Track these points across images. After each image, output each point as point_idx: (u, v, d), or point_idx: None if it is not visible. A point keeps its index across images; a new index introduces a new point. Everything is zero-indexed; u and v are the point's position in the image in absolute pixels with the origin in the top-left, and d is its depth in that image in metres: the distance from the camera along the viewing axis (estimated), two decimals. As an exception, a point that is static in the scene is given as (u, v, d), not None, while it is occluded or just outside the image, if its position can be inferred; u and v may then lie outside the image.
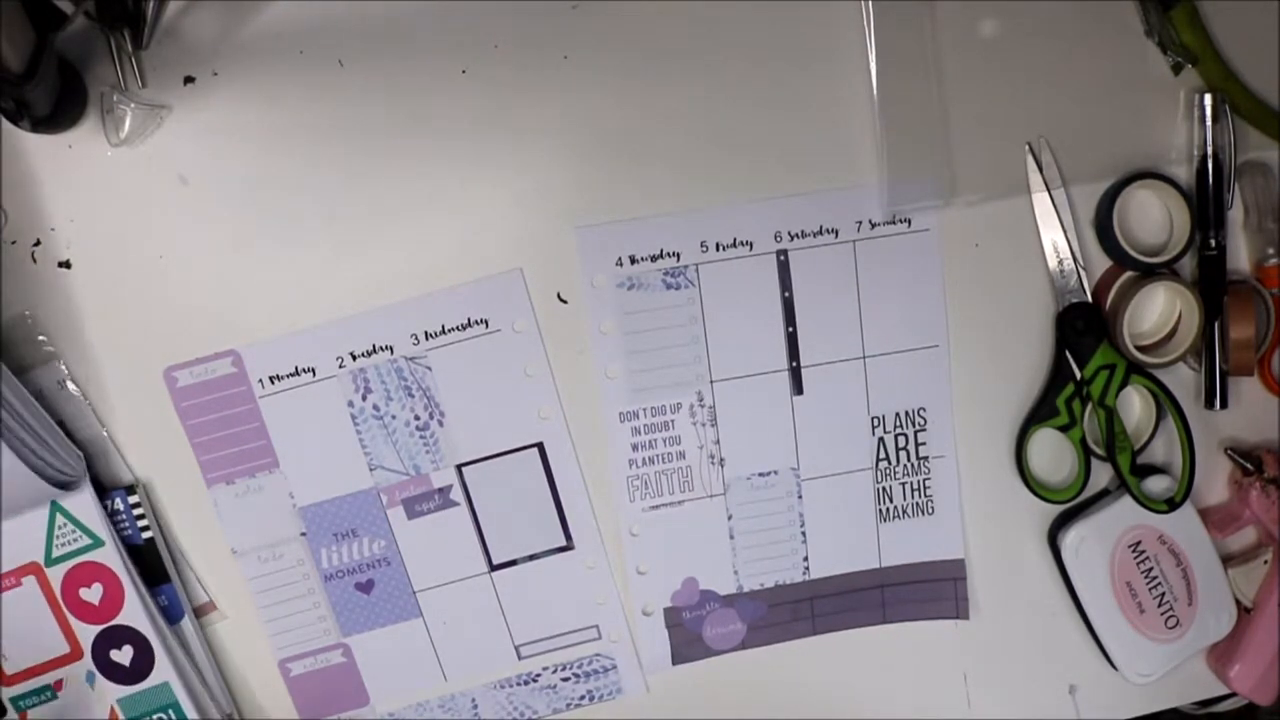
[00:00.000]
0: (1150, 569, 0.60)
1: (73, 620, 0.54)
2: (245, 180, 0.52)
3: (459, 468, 0.56)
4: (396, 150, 0.53)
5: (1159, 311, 0.58)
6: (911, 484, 0.60)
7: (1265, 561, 0.61)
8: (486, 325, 0.55)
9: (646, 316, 0.56)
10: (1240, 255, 0.59)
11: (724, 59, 0.54)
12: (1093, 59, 0.56)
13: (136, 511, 0.54)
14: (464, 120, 0.53)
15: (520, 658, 0.59)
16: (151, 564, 0.54)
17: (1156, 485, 0.59)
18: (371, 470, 0.56)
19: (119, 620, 0.54)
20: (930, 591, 0.61)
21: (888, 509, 0.60)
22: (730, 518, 0.59)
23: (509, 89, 0.53)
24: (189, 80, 0.51)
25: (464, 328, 0.55)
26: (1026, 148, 0.56)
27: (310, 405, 0.55)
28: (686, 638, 0.60)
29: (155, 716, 0.55)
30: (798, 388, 0.57)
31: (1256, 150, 0.58)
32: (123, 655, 0.54)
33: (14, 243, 0.52)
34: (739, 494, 0.59)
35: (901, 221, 0.56)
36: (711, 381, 0.57)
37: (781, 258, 0.56)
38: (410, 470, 0.56)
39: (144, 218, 0.52)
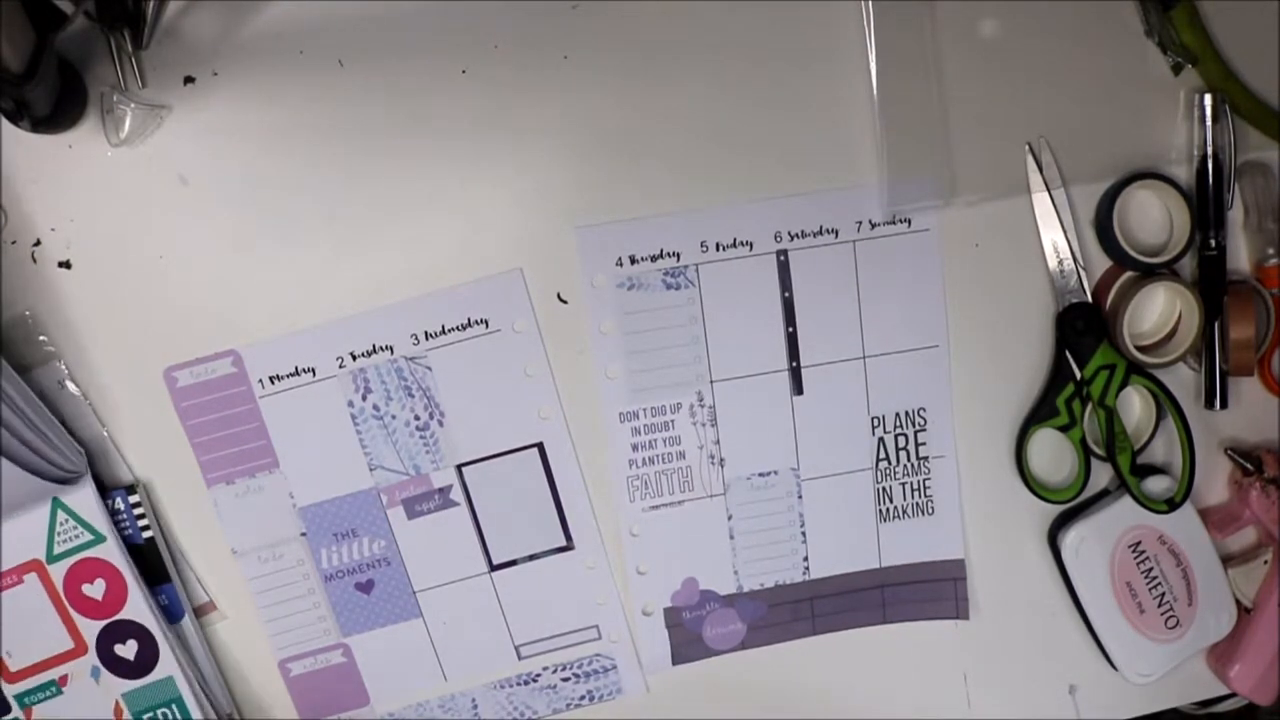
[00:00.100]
0: (1150, 569, 0.60)
1: (76, 616, 0.54)
2: (245, 180, 0.52)
3: (459, 468, 0.56)
4: (396, 150, 0.53)
5: (1159, 311, 0.58)
6: (911, 484, 0.59)
7: (1265, 561, 0.61)
8: (486, 325, 0.55)
9: (646, 316, 0.56)
10: (1240, 255, 0.59)
11: (724, 59, 0.54)
12: (1093, 59, 0.56)
13: (137, 511, 0.54)
14: (464, 120, 0.53)
15: (520, 658, 0.59)
16: (152, 564, 0.54)
17: (1156, 485, 0.59)
18: (371, 470, 0.56)
19: (123, 615, 0.54)
20: (930, 591, 0.61)
21: (888, 509, 0.60)
22: (730, 518, 0.59)
23: (509, 89, 0.53)
24: (189, 80, 0.51)
25: (464, 328, 0.55)
26: (1026, 148, 0.56)
27: (310, 405, 0.55)
28: (686, 638, 0.60)
29: (160, 710, 0.55)
30: (798, 388, 0.57)
31: (1256, 150, 0.58)
32: (127, 650, 0.54)
33: (14, 243, 0.52)
34: (739, 494, 0.59)
35: (901, 221, 0.56)
36: (711, 381, 0.57)
37: (781, 258, 0.56)
38: (410, 470, 0.56)
39: (144, 218, 0.52)
